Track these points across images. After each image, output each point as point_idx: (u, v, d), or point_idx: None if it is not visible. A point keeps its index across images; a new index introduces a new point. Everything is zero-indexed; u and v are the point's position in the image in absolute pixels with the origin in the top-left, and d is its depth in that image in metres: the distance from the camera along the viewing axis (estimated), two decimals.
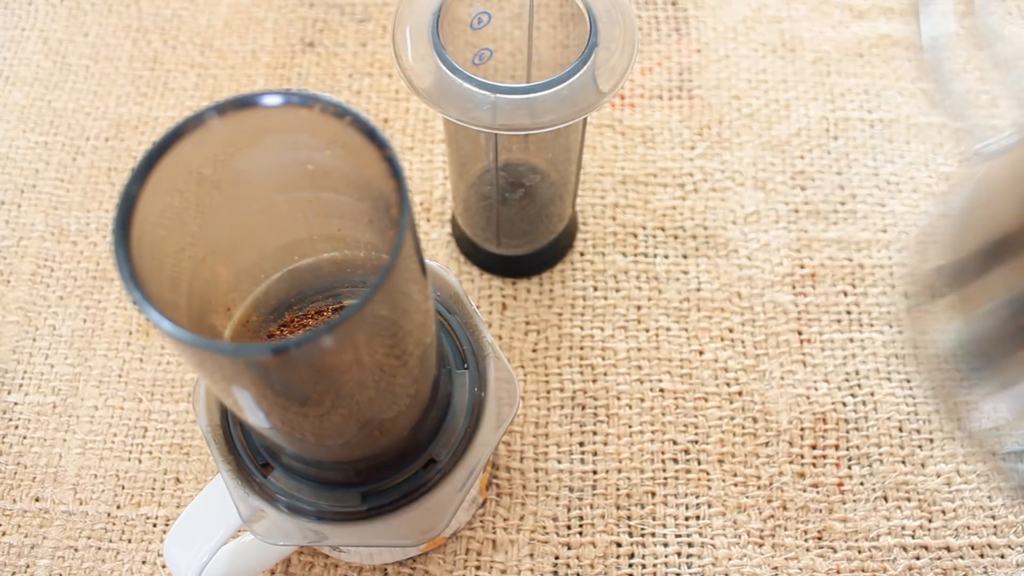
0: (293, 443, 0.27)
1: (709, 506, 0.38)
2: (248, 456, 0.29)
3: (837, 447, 0.39)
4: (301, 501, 0.29)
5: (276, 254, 0.28)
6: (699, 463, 0.39)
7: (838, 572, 0.37)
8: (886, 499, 0.38)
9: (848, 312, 0.42)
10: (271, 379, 0.22)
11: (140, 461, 0.39)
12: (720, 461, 0.39)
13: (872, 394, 0.41)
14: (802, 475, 0.39)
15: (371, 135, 0.21)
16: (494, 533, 0.38)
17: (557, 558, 0.37)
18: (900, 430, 0.40)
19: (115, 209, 0.21)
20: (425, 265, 0.25)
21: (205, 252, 0.25)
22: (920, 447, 0.39)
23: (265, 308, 0.29)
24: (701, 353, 0.42)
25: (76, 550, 0.38)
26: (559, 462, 0.39)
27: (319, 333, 0.20)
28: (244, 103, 0.22)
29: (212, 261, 0.25)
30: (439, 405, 0.30)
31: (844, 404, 0.40)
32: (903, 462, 0.39)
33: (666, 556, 0.37)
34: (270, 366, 0.21)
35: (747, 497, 0.38)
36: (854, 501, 0.38)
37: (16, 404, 0.41)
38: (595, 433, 0.40)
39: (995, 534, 0.38)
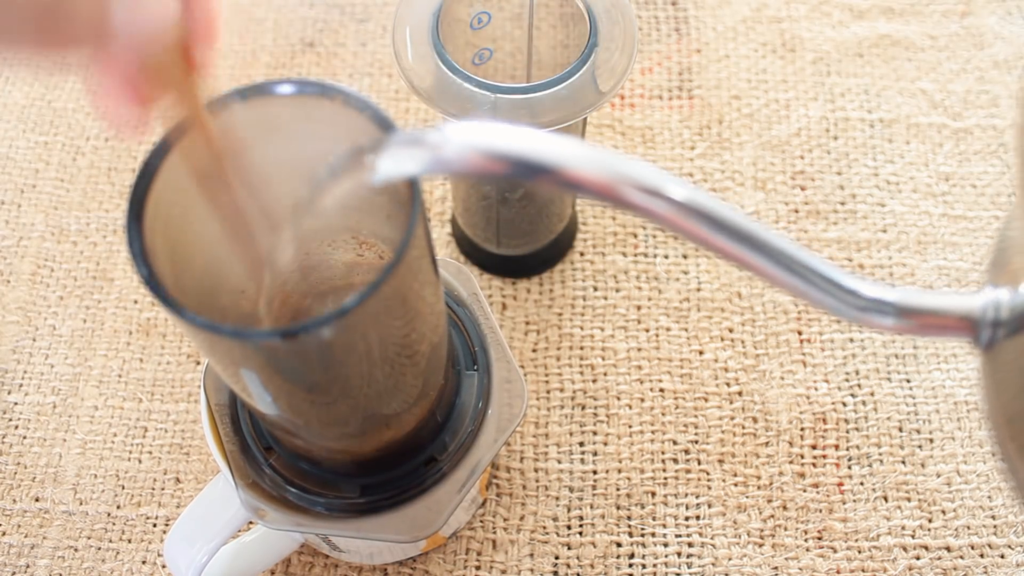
0: (298, 430, 0.27)
1: (709, 506, 0.38)
2: (253, 438, 0.30)
3: (837, 447, 0.39)
4: (301, 491, 0.29)
5: None
6: (699, 463, 0.39)
7: (838, 572, 0.37)
8: (886, 499, 0.38)
9: None
10: (279, 364, 0.22)
11: (140, 461, 0.39)
12: (720, 461, 0.39)
13: (872, 394, 0.41)
14: (802, 475, 0.39)
15: (389, 130, 0.22)
16: (494, 533, 0.38)
17: (557, 558, 0.37)
18: (900, 430, 0.40)
19: (132, 184, 0.21)
20: (436, 261, 0.25)
21: (220, 235, 0.25)
22: (920, 447, 0.39)
23: (283, 296, 0.29)
24: (701, 353, 0.42)
25: (76, 550, 0.38)
26: (559, 462, 0.39)
27: (326, 319, 0.20)
28: (265, 90, 0.22)
29: (227, 245, 0.25)
30: (445, 404, 0.30)
31: (844, 404, 0.40)
32: (903, 462, 0.39)
33: (666, 556, 0.37)
34: (277, 350, 0.21)
35: (747, 497, 0.38)
36: (854, 501, 0.38)
37: (16, 404, 0.41)
38: (595, 433, 0.40)
39: (995, 534, 0.38)
